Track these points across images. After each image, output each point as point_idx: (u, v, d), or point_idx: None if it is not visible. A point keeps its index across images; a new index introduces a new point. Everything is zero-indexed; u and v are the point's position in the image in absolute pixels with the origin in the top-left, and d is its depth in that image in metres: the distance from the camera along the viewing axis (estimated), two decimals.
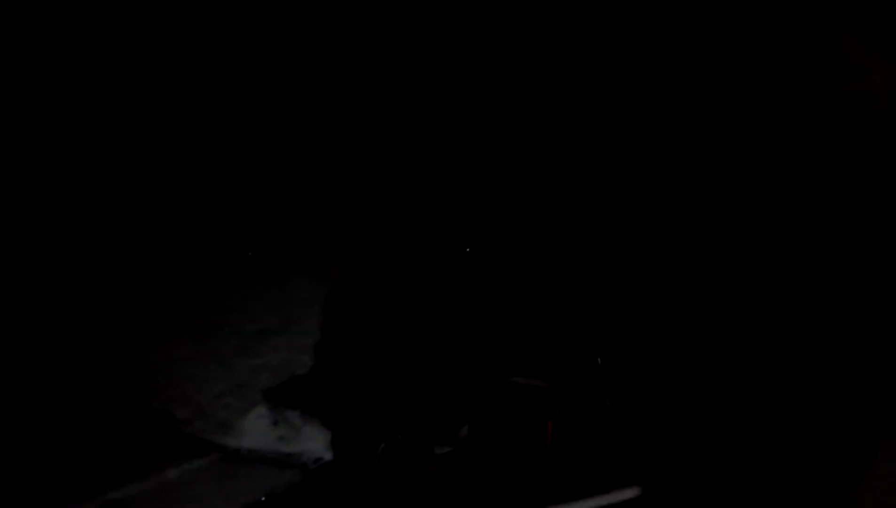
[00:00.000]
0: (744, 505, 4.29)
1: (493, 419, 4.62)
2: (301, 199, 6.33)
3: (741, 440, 4.54)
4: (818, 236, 5.57)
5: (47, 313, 5.76)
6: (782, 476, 4.38)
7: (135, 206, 6.31)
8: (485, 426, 4.62)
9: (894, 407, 4.76)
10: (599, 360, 4.67)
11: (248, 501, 4.56)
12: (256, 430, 4.98)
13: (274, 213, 6.27)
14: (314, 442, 4.84)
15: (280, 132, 6.68)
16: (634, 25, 6.63)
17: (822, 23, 6.38)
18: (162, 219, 6.29)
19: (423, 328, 4.89)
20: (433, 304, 4.98)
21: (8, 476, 4.76)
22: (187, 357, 5.47)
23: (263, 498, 4.57)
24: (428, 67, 6.72)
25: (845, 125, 6.09)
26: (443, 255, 5.27)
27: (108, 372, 5.42)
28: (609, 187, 5.79)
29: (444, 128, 6.39)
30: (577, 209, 5.65)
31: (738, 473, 4.40)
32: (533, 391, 4.58)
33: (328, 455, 4.79)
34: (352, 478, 4.66)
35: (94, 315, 5.79)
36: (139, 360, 5.50)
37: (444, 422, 4.67)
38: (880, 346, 5.04)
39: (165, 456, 4.88)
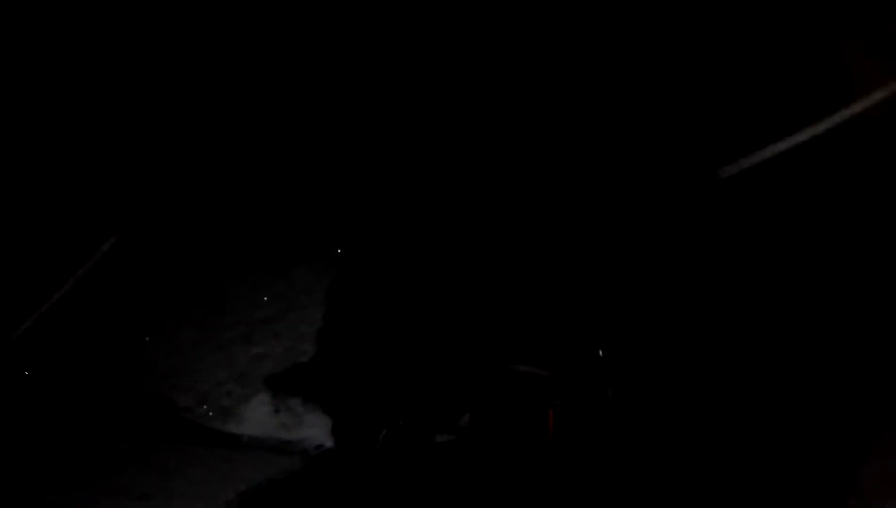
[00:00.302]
0: (743, 499, 4.32)
1: (495, 407, 4.64)
2: (304, 187, 6.34)
3: (740, 434, 4.57)
4: (817, 235, 5.59)
5: (46, 300, 5.76)
6: (780, 471, 4.41)
7: (135, 194, 6.32)
8: (486, 414, 4.64)
9: (888, 405, 4.79)
10: (601, 350, 4.69)
11: (249, 487, 4.58)
12: (258, 417, 5.00)
13: (276, 201, 6.27)
14: (315, 429, 4.86)
15: (282, 122, 6.69)
16: (633, 26, 6.66)
17: (821, 23, 6.42)
18: (163, 207, 6.29)
19: (424, 318, 4.91)
20: (433, 294, 5.00)
21: (5, 464, 4.77)
22: (189, 345, 5.47)
23: (264, 484, 4.59)
24: (428, 62, 6.74)
25: (845, 126, 6.12)
26: (442, 247, 5.29)
27: (109, 360, 5.42)
28: (611, 179, 5.81)
29: (445, 120, 6.41)
30: (578, 199, 5.67)
31: (736, 467, 4.42)
32: (535, 380, 4.60)
33: (329, 443, 4.81)
34: (353, 465, 4.68)
35: (94, 303, 5.80)
36: (140, 348, 5.50)
37: (446, 410, 4.69)
38: (876, 342, 5.07)
39: (166, 443, 4.90)
